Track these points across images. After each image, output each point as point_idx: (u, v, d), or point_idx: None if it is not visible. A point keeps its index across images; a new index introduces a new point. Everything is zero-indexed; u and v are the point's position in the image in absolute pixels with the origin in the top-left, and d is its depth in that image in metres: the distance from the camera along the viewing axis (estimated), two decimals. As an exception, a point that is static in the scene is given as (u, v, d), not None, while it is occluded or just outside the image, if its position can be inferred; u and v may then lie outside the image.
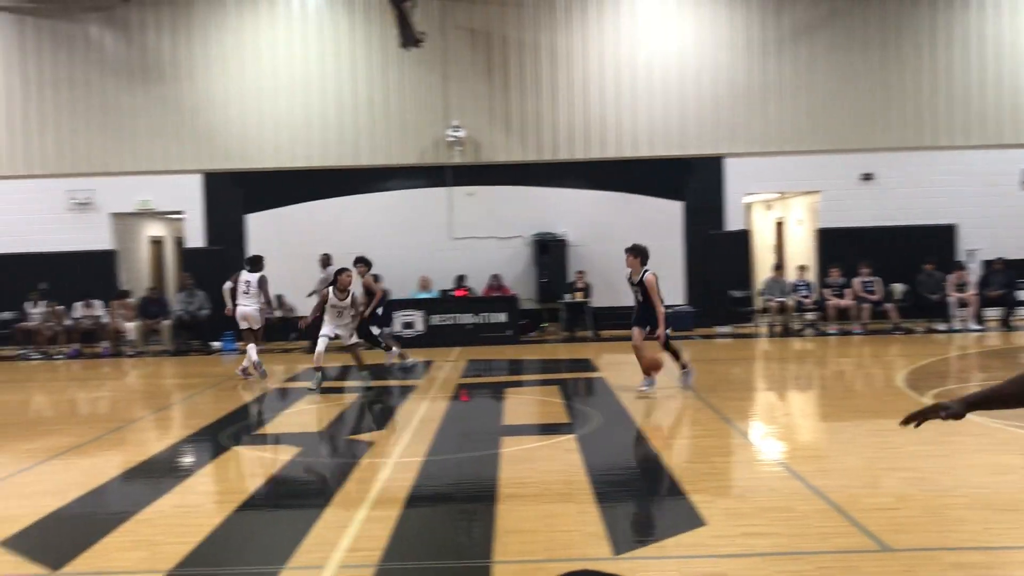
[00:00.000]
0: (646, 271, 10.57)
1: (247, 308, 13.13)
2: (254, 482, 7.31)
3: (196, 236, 18.77)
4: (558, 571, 3.12)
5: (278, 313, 17.35)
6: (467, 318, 17.37)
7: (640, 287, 10.57)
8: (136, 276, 20.13)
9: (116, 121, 18.41)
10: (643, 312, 10.67)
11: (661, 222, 18.93)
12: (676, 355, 10.88)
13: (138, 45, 18.40)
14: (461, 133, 18.20)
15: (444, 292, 17.95)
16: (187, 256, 19.17)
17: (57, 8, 18.24)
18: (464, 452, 8.54)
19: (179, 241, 21.46)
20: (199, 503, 6.88)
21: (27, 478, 7.80)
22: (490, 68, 18.42)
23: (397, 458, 7.98)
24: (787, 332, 17.73)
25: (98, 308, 17.79)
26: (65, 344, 17.46)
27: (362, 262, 14.14)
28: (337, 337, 11.87)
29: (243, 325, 13.24)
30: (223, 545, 5.78)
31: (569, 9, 18.51)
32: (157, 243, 22.56)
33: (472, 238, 18.56)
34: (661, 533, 5.92)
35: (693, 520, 5.78)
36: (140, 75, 18.39)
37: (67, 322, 17.62)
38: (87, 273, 18.04)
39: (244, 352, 13.37)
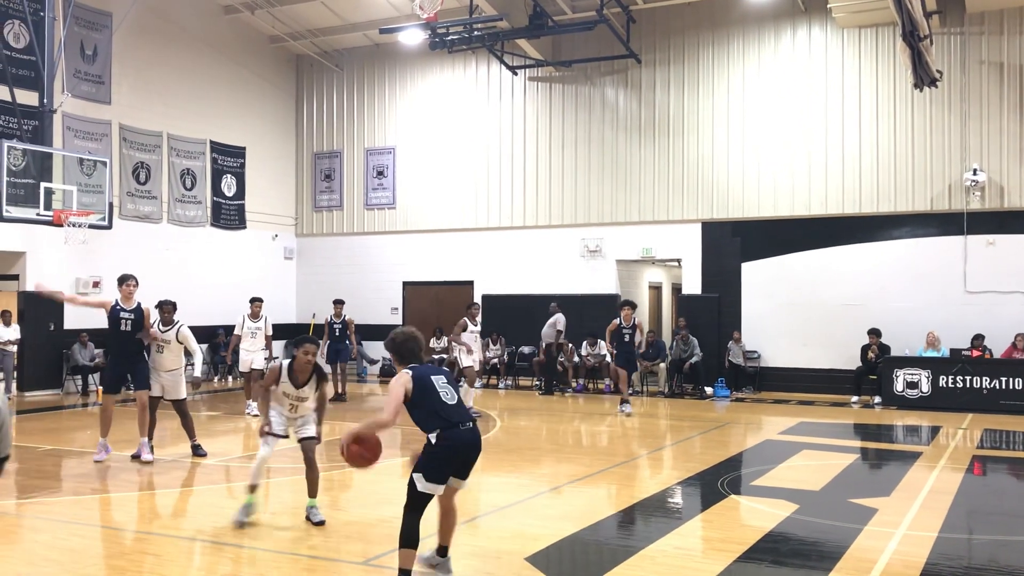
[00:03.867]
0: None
1: None
2: (752, 534, 7.21)
3: (693, 283, 19.34)
4: None
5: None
6: (983, 382, 15.55)
7: None
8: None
9: (624, 175, 19.88)
10: None
11: None
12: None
13: (647, 103, 19.70)
14: (981, 177, 16.56)
15: (955, 351, 16.28)
16: (682, 302, 19.83)
17: (580, 75, 20.25)
18: (986, 534, 7.61)
19: (676, 287, 22.36)
20: (698, 547, 6.97)
21: (545, 501, 8.57)
22: (1021, 105, 16.49)
23: (905, 530, 7.36)
24: None
25: (602, 348, 19.10)
26: (573, 379, 19.04)
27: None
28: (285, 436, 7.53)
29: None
30: (724, 595, 5.76)
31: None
32: (655, 289, 23.76)
33: (991, 292, 16.61)
34: None
35: None
36: (647, 131, 19.66)
37: (575, 359, 19.20)
38: (593, 314, 19.47)
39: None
